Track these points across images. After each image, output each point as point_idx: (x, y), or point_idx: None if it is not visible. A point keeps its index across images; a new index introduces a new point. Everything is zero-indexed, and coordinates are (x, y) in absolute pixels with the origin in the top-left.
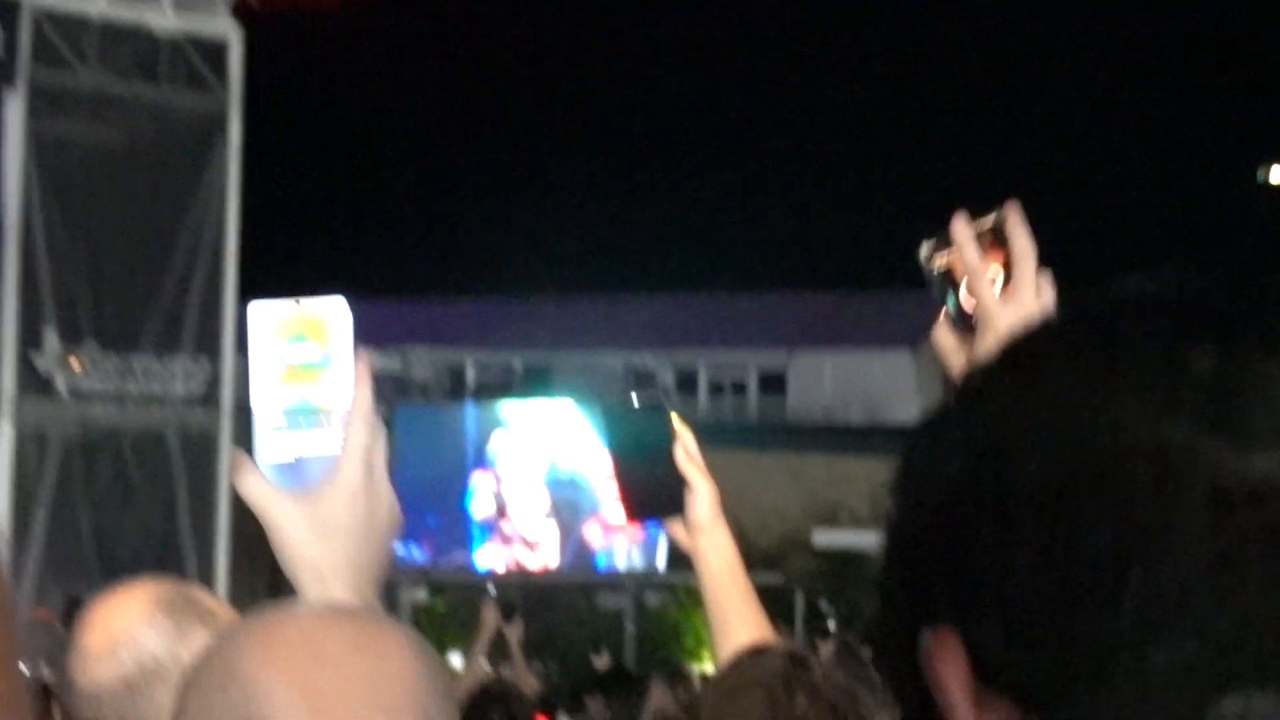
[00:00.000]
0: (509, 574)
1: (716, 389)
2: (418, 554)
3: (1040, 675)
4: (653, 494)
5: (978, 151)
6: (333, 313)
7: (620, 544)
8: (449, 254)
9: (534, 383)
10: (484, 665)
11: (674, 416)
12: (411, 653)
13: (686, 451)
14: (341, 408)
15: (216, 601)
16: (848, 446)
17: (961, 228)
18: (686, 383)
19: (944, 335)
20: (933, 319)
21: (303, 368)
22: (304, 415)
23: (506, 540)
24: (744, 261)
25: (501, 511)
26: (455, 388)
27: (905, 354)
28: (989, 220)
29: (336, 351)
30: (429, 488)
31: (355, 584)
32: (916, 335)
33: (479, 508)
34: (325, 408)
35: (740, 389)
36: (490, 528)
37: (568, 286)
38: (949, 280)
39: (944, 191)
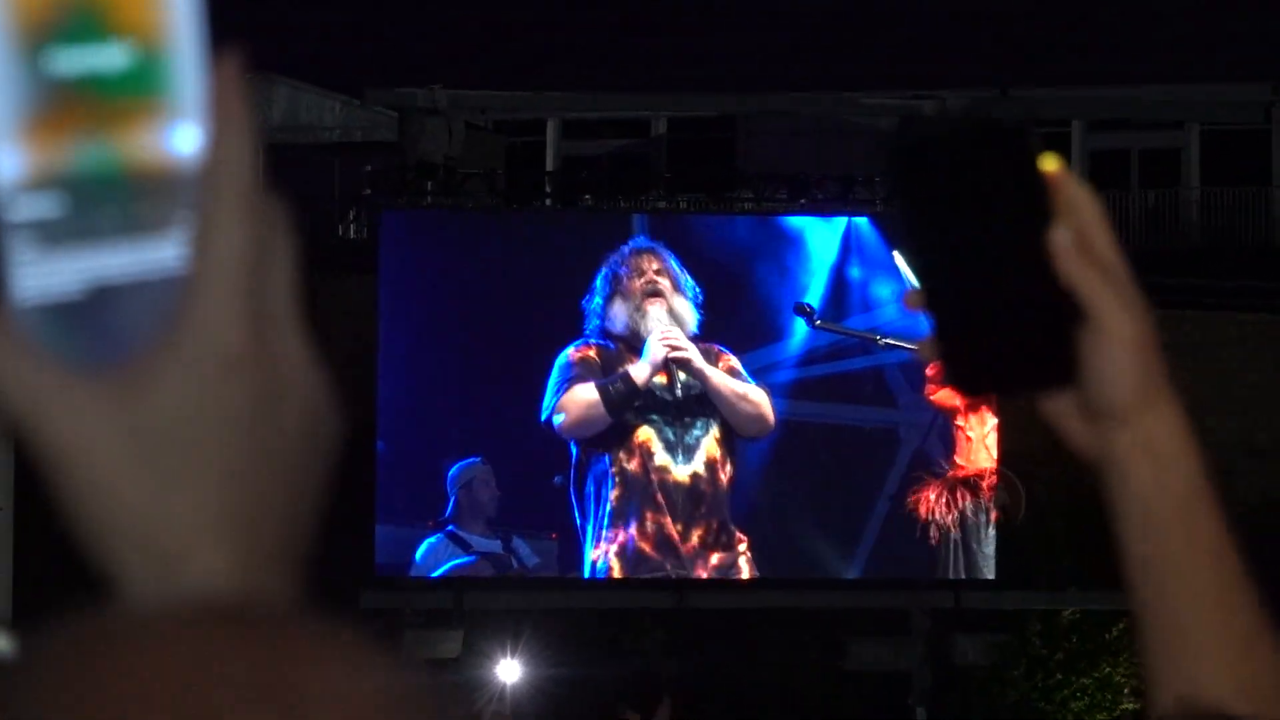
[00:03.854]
0: (654, 585)
1: (1155, 174)
2: (438, 546)
3: None
4: (1008, 335)
5: None
6: None
7: (885, 524)
8: None
9: (713, 163)
10: None
11: (1051, 159)
12: None
13: (1085, 244)
14: (188, 170)
15: None
16: None
17: None
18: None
19: None
20: None
21: (90, 91)
22: (101, 194)
23: (639, 522)
24: None
25: (628, 462)
26: (516, 171)
27: None
28: None
29: (168, 51)
30: (452, 389)
31: (244, 562)
32: None
33: (589, 446)
34: (147, 171)
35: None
36: (603, 486)
37: None
38: None
39: None
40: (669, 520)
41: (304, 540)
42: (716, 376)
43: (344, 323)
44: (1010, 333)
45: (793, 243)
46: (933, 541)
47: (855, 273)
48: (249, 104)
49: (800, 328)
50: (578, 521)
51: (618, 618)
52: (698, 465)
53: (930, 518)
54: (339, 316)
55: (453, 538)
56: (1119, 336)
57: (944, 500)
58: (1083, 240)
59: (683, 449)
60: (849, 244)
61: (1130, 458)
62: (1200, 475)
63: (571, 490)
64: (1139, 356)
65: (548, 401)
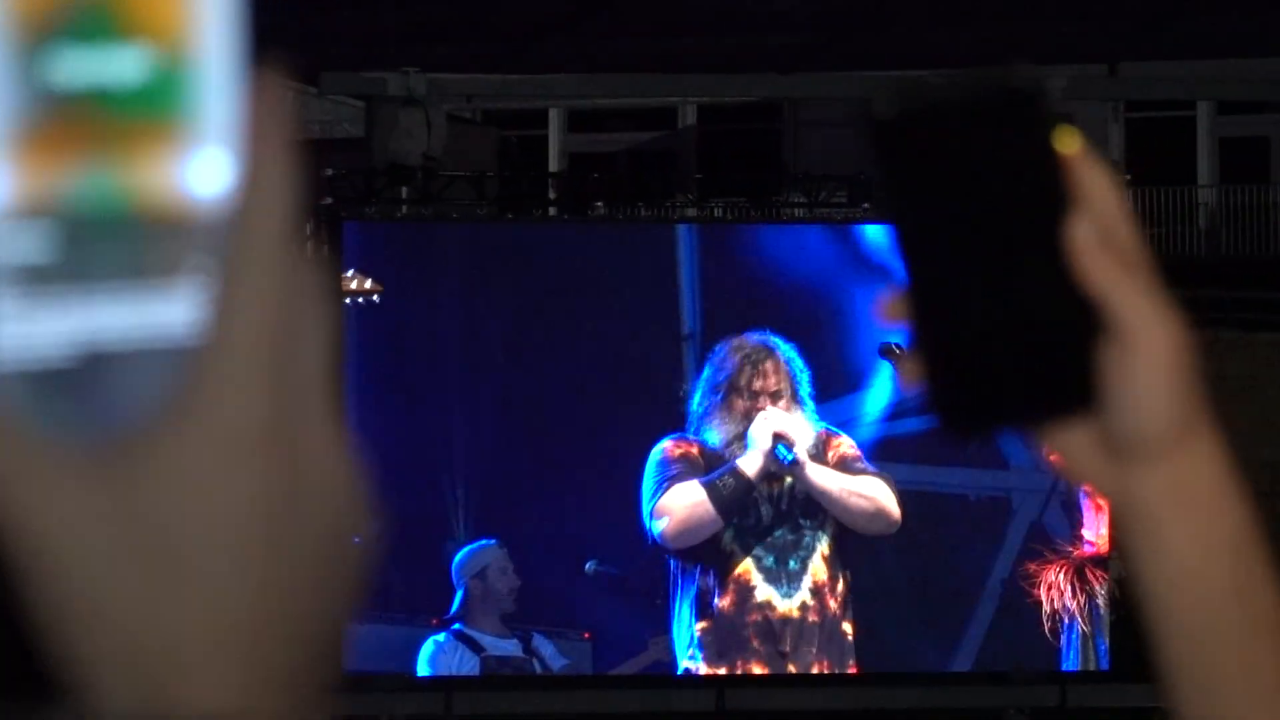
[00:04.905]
0: (687, 683)
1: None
2: (445, 648)
3: None
4: (1014, 351)
5: None
6: None
7: (997, 613)
8: None
9: (755, 161)
10: None
11: (1070, 135)
12: None
13: (1107, 241)
14: (210, 210)
15: None
16: None
17: None
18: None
19: None
20: None
21: (96, 105)
22: (101, 233)
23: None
24: None
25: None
26: (512, 173)
27: None
28: None
29: (194, 61)
30: (444, 450)
31: (251, 686)
32: None
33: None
34: (159, 208)
35: None
36: (693, 609)
37: None
38: None
39: None
40: (769, 666)
41: (326, 662)
42: (817, 474)
43: None
44: (1016, 348)
45: (871, 263)
46: (1052, 634)
47: None
48: (290, 131)
49: (886, 373)
50: (672, 631)
51: None
52: (805, 594)
53: (1053, 606)
54: None
55: (461, 638)
56: (1151, 354)
57: (1070, 584)
58: (1105, 237)
59: (786, 577)
60: None
61: (1163, 504)
62: (1249, 527)
63: (669, 601)
64: (1174, 379)
65: (646, 505)
